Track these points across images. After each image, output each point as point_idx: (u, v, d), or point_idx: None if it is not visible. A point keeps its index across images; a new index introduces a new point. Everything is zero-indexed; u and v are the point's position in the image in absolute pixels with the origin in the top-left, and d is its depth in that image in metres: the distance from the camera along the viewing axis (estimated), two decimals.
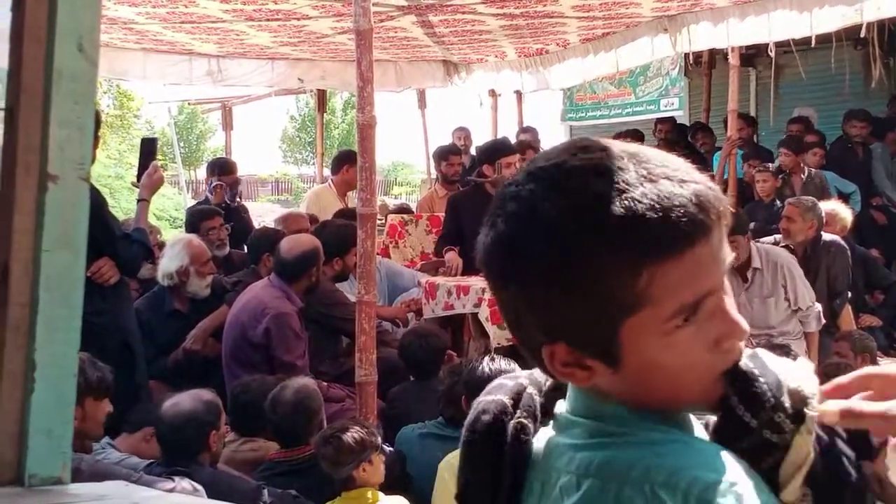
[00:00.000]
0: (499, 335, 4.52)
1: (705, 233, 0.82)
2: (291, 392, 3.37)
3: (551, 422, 0.95)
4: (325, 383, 4.18)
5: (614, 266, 0.80)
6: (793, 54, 6.52)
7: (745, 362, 0.87)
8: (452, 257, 5.43)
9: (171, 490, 2.63)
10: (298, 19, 6.32)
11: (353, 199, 7.01)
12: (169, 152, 22.74)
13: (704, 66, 9.18)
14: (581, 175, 0.82)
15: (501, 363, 3.30)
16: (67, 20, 1.15)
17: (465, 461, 0.98)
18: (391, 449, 3.24)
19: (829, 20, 5.15)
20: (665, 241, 0.80)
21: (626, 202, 0.79)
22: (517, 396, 0.97)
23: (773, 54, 5.71)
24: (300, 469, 3.28)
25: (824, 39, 5.70)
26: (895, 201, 7.55)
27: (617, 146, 0.85)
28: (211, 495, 2.76)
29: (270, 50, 7.75)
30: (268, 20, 6.34)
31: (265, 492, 2.97)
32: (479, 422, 0.96)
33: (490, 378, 3.60)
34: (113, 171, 15.41)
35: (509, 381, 1.00)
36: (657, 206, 0.79)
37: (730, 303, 0.87)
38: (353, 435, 3.03)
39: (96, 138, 3.74)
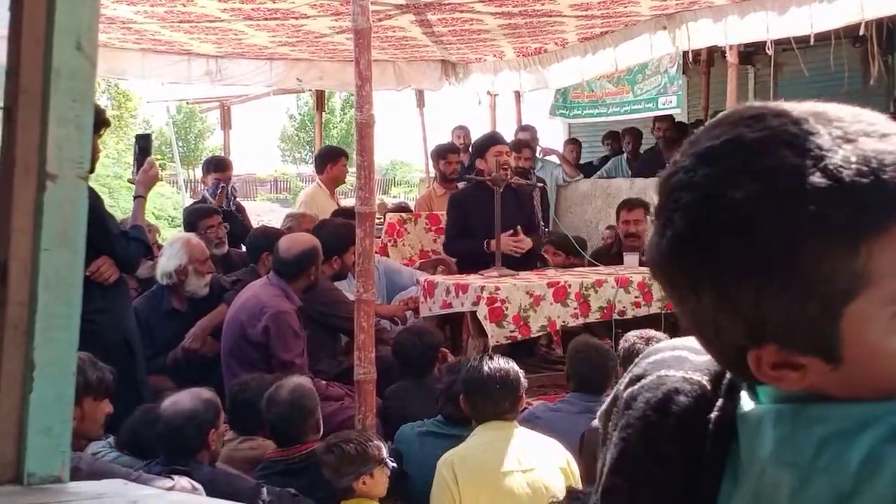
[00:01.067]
0: (497, 333, 4.51)
1: None
2: (287, 391, 3.36)
3: (745, 406, 0.81)
4: (324, 382, 4.19)
5: (827, 246, 0.69)
6: (791, 52, 6.50)
7: None
8: (508, 241, 5.23)
9: (171, 489, 2.63)
10: (297, 18, 6.32)
11: (342, 196, 7.01)
12: (167, 151, 22.75)
13: (703, 63, 9.16)
14: (766, 148, 0.71)
15: (500, 362, 3.30)
16: (66, 19, 1.15)
17: (646, 450, 0.83)
18: (395, 465, 3.22)
19: (828, 18, 5.15)
20: (881, 209, 0.69)
21: (828, 171, 0.68)
22: (715, 377, 0.83)
23: (771, 52, 5.70)
24: (297, 469, 3.28)
25: (823, 37, 5.70)
26: None
27: (794, 108, 0.73)
28: (210, 494, 2.76)
29: (269, 50, 7.75)
30: (266, 19, 6.33)
31: (264, 490, 2.97)
32: (674, 403, 0.82)
33: (490, 377, 3.56)
34: (111, 171, 15.39)
35: (696, 357, 0.86)
36: (864, 168, 0.68)
37: None
38: (356, 446, 3.03)
39: (96, 142, 3.74)
